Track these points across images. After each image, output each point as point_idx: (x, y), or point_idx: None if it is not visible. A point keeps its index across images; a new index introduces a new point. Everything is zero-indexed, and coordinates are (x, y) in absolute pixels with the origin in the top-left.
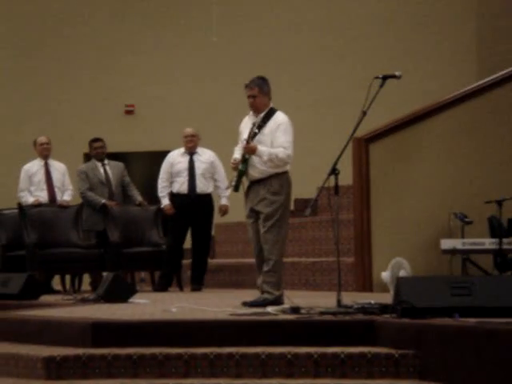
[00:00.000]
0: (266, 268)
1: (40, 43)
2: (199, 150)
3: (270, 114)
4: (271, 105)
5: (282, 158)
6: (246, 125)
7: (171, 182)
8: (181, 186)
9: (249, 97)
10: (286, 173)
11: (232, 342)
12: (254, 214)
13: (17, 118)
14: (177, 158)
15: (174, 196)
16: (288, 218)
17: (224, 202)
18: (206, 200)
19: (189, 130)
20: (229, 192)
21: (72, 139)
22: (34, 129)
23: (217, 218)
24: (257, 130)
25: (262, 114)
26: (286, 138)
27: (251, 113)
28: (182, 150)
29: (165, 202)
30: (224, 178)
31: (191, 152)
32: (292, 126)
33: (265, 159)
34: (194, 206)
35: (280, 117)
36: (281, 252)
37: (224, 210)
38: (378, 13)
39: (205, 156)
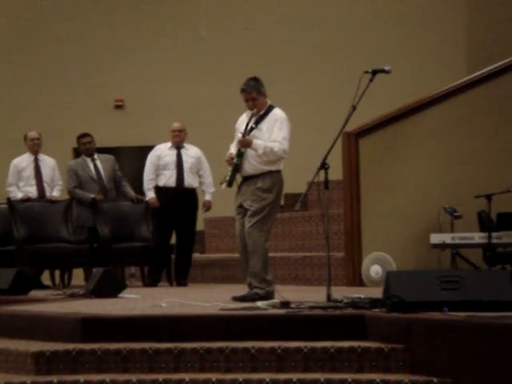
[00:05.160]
0: (252, 264)
1: (29, 39)
2: (186, 145)
3: (268, 110)
4: (269, 102)
5: (276, 152)
6: (243, 121)
7: (157, 176)
8: (168, 179)
9: (247, 100)
10: (278, 172)
11: (222, 336)
12: (242, 209)
13: (6, 112)
14: (164, 151)
15: (159, 189)
16: (274, 217)
17: (208, 197)
18: (192, 195)
19: (177, 125)
20: (214, 189)
21: (61, 134)
22: (23, 123)
23: (206, 213)
24: (254, 125)
25: (261, 112)
26: (282, 133)
27: (248, 110)
28: (169, 144)
29: (150, 194)
30: (209, 175)
31: (178, 146)
32: (289, 122)
33: (260, 153)
34: (181, 201)
35: (277, 113)
36: (264, 248)
37: (208, 206)
38: (368, 7)
39: (192, 151)
